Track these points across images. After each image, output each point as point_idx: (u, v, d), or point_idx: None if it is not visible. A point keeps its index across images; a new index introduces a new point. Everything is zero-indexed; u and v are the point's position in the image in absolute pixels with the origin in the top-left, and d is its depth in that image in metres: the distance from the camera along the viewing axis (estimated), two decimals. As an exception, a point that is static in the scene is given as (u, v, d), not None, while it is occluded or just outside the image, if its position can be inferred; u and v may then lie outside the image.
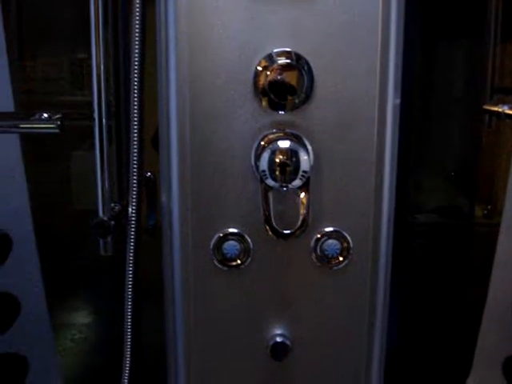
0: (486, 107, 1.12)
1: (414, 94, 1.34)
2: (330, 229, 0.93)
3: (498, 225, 1.36)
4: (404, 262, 1.37)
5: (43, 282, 1.31)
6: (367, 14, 0.90)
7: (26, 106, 1.77)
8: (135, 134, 0.92)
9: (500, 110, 1.01)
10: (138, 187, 0.96)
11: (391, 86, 0.93)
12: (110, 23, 1.19)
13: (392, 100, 0.94)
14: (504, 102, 1.01)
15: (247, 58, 0.89)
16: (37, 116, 0.95)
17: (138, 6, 0.93)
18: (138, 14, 0.94)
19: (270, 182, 0.88)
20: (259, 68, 0.89)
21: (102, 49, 1.12)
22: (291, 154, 0.87)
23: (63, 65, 1.95)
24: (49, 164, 1.44)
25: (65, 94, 1.91)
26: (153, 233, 1.25)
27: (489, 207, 1.62)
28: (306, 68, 0.89)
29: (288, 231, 0.90)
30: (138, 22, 0.95)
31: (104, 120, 0.99)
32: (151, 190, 1.24)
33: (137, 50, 0.95)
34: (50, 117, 0.95)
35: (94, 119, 0.99)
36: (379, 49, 0.91)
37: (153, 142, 1.19)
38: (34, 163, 1.33)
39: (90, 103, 1.06)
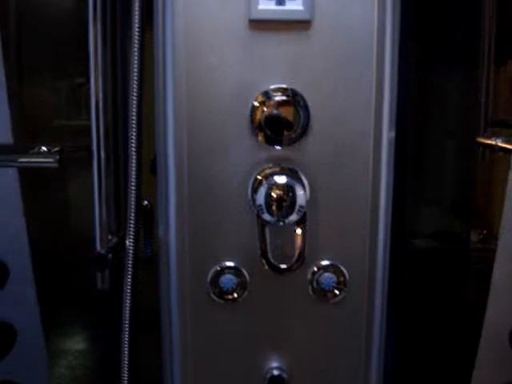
0: (480, 140, 1.13)
1: (409, 123, 1.36)
2: (327, 262, 0.94)
3: (495, 250, 1.36)
4: (400, 290, 1.38)
5: (40, 309, 1.31)
6: (363, 50, 0.91)
7: (24, 130, 1.78)
8: (133, 169, 0.93)
9: (494, 142, 1.02)
10: (136, 220, 0.97)
11: (386, 120, 0.94)
12: (108, 51, 1.21)
13: (387, 134, 0.95)
14: (498, 136, 1.02)
15: (244, 94, 0.91)
16: (36, 149, 0.95)
17: (136, 48, 0.94)
18: (136, 53, 0.95)
19: (266, 216, 0.89)
20: (256, 104, 0.90)
21: (101, 78, 1.14)
22: (288, 189, 0.88)
23: (61, 89, 1.97)
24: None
25: (62, 119, 1.93)
26: (150, 261, 1.25)
27: (485, 232, 1.63)
28: (302, 104, 0.90)
29: (284, 266, 0.91)
30: (136, 57, 0.97)
31: (102, 152, 1.00)
32: (148, 218, 1.24)
33: (135, 82, 0.97)
34: (48, 150, 0.96)
35: (92, 151, 1.00)
36: (374, 84, 0.92)
37: (151, 166, 1.20)
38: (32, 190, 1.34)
39: (88, 131, 1.08)
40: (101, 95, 1.13)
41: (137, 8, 0.99)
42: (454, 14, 1.48)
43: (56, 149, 0.97)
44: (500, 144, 1.01)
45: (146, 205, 1.24)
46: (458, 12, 1.52)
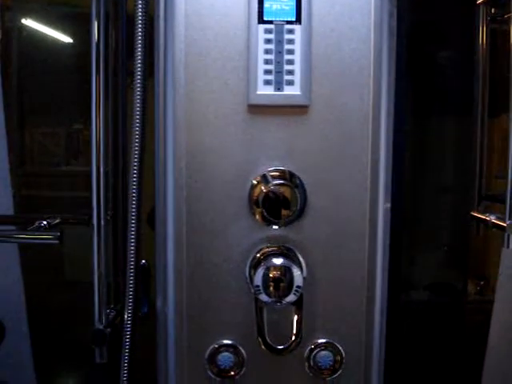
0: (474, 214, 1.15)
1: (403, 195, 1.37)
2: (323, 340, 0.95)
3: (492, 301, 1.36)
4: (397, 350, 1.38)
5: (34, 368, 1.32)
6: (358, 133, 0.93)
7: (22, 177, 1.80)
8: (131, 261, 0.94)
9: (487, 218, 1.04)
10: (134, 295, 0.98)
11: (381, 198, 0.96)
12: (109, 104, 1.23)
13: (382, 209, 0.96)
14: (491, 210, 1.03)
15: (243, 175, 0.92)
16: (36, 224, 0.96)
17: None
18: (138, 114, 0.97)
19: (263, 297, 0.90)
20: (254, 185, 0.92)
21: (102, 127, 1.15)
22: (285, 270, 0.89)
23: (59, 135, 1.99)
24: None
25: (60, 164, 1.94)
26: (145, 319, 1.25)
27: (482, 283, 1.63)
28: (299, 185, 0.92)
29: (281, 347, 0.91)
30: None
31: (102, 222, 1.02)
32: (145, 277, 1.25)
33: (136, 152, 0.98)
34: (48, 224, 0.97)
35: (92, 225, 1.01)
36: (370, 165, 0.94)
37: (148, 218, 1.21)
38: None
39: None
40: (101, 144, 1.15)
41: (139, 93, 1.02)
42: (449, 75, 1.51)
43: (56, 220, 0.98)
44: (494, 220, 1.03)
45: (144, 264, 1.25)
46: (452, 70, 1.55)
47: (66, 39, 2.08)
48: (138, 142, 1.03)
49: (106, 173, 1.13)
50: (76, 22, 1.83)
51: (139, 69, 0.98)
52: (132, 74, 1.08)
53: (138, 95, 0.97)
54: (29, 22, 2.03)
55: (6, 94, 1.67)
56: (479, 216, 1.11)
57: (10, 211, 1.30)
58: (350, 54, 0.92)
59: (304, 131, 0.92)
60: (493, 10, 1.26)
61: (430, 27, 1.53)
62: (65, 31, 2.03)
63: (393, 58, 0.96)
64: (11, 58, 1.83)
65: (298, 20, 0.90)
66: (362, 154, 0.93)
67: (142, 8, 0.97)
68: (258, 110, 0.91)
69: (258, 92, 0.90)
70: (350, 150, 0.93)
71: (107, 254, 1.09)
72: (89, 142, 1.21)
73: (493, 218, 1.03)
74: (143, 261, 1.24)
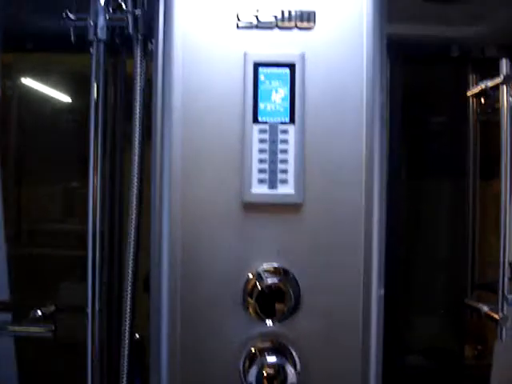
0: (468, 302, 1.16)
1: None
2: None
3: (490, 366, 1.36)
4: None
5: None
6: (350, 228, 0.94)
7: (18, 234, 1.80)
8: (125, 340, 0.94)
9: (480, 308, 1.04)
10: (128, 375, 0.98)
11: (375, 282, 0.96)
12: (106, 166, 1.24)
13: (375, 293, 0.97)
14: (484, 298, 1.04)
15: (236, 272, 0.93)
16: (31, 315, 0.97)
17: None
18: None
19: (257, 394, 0.90)
20: (248, 281, 0.93)
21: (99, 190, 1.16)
22: (279, 368, 0.89)
23: (56, 193, 2.00)
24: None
25: (56, 222, 1.95)
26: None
27: (479, 347, 1.62)
28: (292, 282, 0.92)
29: None
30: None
31: (97, 315, 1.02)
32: (139, 350, 1.25)
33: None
34: (43, 314, 0.98)
35: (87, 314, 1.01)
36: (363, 256, 0.94)
37: (144, 284, 1.21)
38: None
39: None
40: (98, 204, 1.16)
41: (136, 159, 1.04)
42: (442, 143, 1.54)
43: (51, 309, 0.98)
44: (487, 311, 1.03)
45: (138, 339, 1.25)
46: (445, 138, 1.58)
47: (65, 98, 2.11)
48: (134, 226, 1.05)
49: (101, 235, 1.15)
50: (74, 82, 1.86)
51: (137, 134, 1.00)
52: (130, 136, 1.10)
53: (135, 175, 0.99)
54: (27, 81, 2.07)
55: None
56: (472, 305, 1.11)
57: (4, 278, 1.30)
58: (343, 152, 0.93)
59: (297, 228, 0.93)
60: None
61: (423, 95, 1.56)
62: (63, 90, 2.06)
63: (384, 152, 0.98)
64: (10, 116, 1.86)
65: (292, 120, 0.92)
66: (356, 248, 0.94)
67: (139, 88, 0.99)
68: (253, 207, 0.92)
69: (253, 191, 0.92)
70: (342, 246, 0.94)
71: (101, 336, 1.09)
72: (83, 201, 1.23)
73: (486, 309, 1.03)
74: (137, 335, 1.24)
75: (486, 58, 1.41)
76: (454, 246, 1.41)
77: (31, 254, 1.91)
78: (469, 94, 1.16)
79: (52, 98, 2.01)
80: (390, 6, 1.00)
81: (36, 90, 2.05)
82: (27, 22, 1.43)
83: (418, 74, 1.42)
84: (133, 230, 1.06)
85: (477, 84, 1.23)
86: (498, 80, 1.02)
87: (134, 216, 1.06)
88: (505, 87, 1.00)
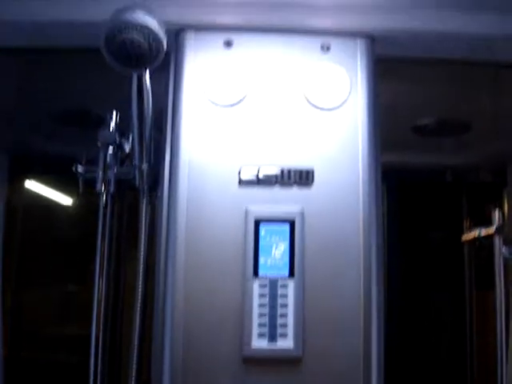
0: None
1: None
2: None
3: None
4: None
5: None
6: (351, 372, 0.94)
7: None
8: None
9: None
10: None
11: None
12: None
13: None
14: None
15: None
16: None
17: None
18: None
19: None
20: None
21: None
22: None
23: (53, 297, 2.01)
24: None
25: (53, 326, 1.95)
26: None
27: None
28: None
29: None
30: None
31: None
32: None
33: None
34: None
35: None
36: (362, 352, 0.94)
37: None
38: None
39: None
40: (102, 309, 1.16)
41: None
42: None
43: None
44: None
45: None
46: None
47: (67, 202, 2.15)
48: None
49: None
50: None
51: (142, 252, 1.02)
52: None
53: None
54: (32, 185, 2.12)
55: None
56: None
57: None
58: (343, 304, 0.95)
59: (297, 381, 0.94)
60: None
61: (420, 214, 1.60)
62: (67, 195, 2.11)
63: (382, 298, 0.99)
64: (15, 221, 1.89)
65: (292, 275, 0.94)
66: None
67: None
68: (253, 361, 0.93)
69: (253, 345, 0.93)
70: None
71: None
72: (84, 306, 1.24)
73: None
74: None
75: (480, 182, 1.47)
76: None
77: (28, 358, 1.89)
78: (463, 239, 1.20)
79: (56, 202, 2.06)
80: (385, 137, 1.04)
81: (40, 196, 2.09)
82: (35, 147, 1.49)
83: (414, 198, 1.46)
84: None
85: (469, 211, 1.26)
86: (490, 230, 1.06)
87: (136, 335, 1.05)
88: (497, 238, 1.04)
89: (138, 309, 1.05)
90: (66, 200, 2.05)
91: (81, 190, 1.01)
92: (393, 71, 1.15)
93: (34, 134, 1.48)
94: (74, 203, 1.99)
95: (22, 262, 1.90)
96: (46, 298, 1.95)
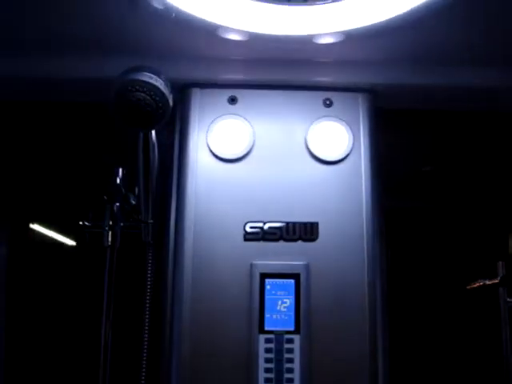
0: None
1: None
2: None
3: None
4: None
5: None
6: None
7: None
8: None
9: None
10: None
11: None
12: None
13: None
14: None
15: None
16: None
17: None
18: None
19: None
20: None
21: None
22: None
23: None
24: None
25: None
26: None
27: None
28: None
29: None
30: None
31: None
32: None
33: None
34: None
35: None
36: None
37: None
38: None
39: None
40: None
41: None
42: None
43: None
44: None
45: None
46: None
47: (71, 243, 2.16)
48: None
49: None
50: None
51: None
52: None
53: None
54: (36, 227, 2.13)
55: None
56: None
57: None
58: (350, 356, 0.95)
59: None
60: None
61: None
62: (69, 236, 2.12)
63: (387, 348, 0.99)
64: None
65: (297, 330, 0.94)
66: None
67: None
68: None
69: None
70: None
71: None
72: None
73: None
74: None
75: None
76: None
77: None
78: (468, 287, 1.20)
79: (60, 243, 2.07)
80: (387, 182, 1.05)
81: (44, 235, 2.10)
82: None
83: (418, 241, 1.47)
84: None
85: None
86: (495, 280, 1.06)
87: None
88: (501, 289, 1.04)
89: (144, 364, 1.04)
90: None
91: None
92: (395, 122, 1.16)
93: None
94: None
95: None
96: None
